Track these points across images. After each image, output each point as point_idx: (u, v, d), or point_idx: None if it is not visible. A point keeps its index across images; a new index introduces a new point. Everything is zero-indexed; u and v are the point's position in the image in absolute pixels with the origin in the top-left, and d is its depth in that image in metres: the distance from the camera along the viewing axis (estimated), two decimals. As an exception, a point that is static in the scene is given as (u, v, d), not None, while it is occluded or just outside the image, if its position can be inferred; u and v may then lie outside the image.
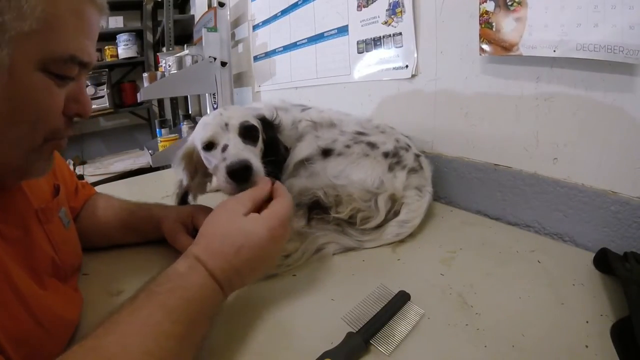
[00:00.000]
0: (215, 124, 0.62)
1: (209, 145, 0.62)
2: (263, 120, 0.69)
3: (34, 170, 0.40)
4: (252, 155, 0.59)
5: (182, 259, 0.40)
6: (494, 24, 0.65)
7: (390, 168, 0.68)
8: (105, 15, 0.39)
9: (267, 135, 0.68)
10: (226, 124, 0.62)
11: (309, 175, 0.66)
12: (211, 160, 0.62)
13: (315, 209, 0.64)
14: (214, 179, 0.69)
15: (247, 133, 0.62)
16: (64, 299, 0.45)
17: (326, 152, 0.68)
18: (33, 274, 0.40)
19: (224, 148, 0.60)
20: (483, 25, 0.66)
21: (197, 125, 0.68)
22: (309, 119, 0.76)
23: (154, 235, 0.64)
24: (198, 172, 0.70)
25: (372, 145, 0.70)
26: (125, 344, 0.30)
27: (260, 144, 0.65)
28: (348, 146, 0.69)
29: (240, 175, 0.55)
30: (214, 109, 1.73)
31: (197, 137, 0.65)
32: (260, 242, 0.41)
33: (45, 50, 0.32)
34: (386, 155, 0.69)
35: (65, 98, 0.37)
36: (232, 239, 0.40)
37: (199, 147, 0.63)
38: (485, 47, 0.67)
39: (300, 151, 0.70)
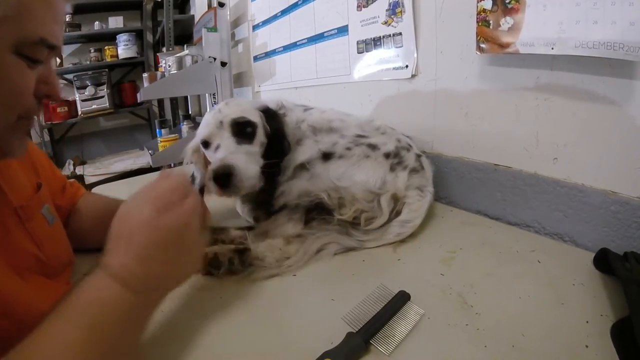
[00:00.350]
0: (213, 122, 0.63)
1: (206, 144, 0.64)
2: (266, 111, 0.68)
3: (10, 150, 0.41)
4: (242, 156, 0.59)
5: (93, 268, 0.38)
6: (491, 21, 0.64)
7: (392, 168, 0.68)
8: (70, 1, 0.42)
9: (270, 127, 0.67)
10: (221, 122, 0.63)
11: (309, 177, 0.66)
12: (210, 158, 0.64)
13: (315, 210, 0.64)
14: None
15: (240, 131, 0.62)
16: (51, 295, 0.44)
17: (327, 156, 0.68)
18: (10, 270, 0.41)
19: (217, 148, 0.61)
20: (480, 23, 0.66)
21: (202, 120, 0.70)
22: (310, 121, 0.76)
23: None
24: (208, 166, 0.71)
25: (372, 147, 0.69)
26: (33, 355, 0.30)
27: (260, 138, 0.65)
28: (349, 148, 0.69)
29: (222, 180, 0.56)
30: (214, 109, 1.73)
31: (198, 134, 0.67)
32: (146, 219, 0.38)
33: (19, 34, 0.35)
34: (387, 156, 0.69)
35: (35, 80, 0.39)
36: (123, 231, 0.38)
37: (200, 144, 0.65)
38: (483, 45, 0.67)
39: (300, 154, 0.69)
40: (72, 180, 0.71)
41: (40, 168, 0.58)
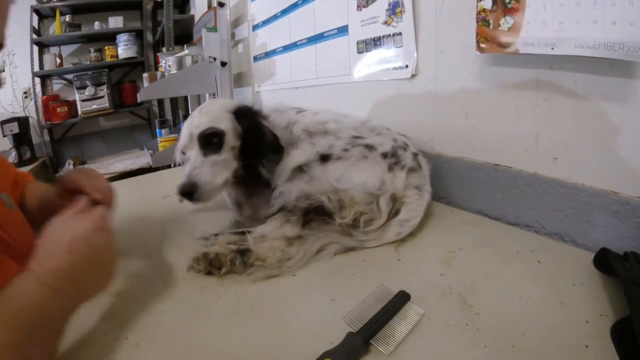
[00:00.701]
0: (185, 134, 0.70)
1: (183, 154, 0.71)
2: (237, 111, 0.72)
3: None
4: (206, 169, 0.66)
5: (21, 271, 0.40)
6: (491, 21, 0.64)
7: (390, 168, 0.68)
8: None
9: (243, 126, 0.70)
10: (191, 135, 0.69)
11: (308, 179, 0.66)
12: (184, 167, 0.70)
13: (314, 212, 0.63)
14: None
15: (207, 143, 0.68)
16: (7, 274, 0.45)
17: (324, 158, 0.68)
18: None
19: (188, 160, 0.68)
20: (480, 23, 0.66)
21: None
22: (303, 124, 0.77)
23: None
24: None
25: (370, 147, 0.70)
26: None
27: (230, 144, 0.69)
28: (346, 150, 0.69)
29: (187, 196, 0.64)
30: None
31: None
32: (87, 234, 0.43)
33: None
34: (385, 155, 0.69)
35: None
36: (63, 239, 0.42)
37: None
38: (483, 45, 0.67)
39: (297, 157, 0.69)
40: (22, 170, 0.69)
41: None
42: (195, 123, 0.69)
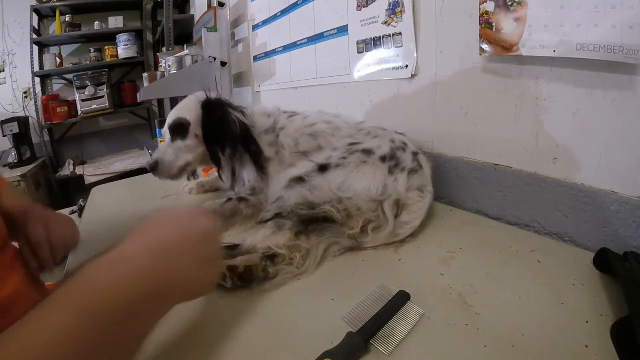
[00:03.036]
0: (166, 122, 0.86)
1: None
2: (204, 104, 0.83)
3: None
4: (170, 151, 0.82)
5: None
6: (494, 24, 0.65)
7: (390, 171, 0.67)
8: None
9: (207, 118, 0.81)
10: (168, 124, 0.85)
11: (310, 188, 0.64)
12: None
13: (316, 222, 0.62)
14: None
15: (175, 130, 0.84)
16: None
17: (323, 168, 0.67)
18: None
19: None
20: (483, 26, 0.66)
21: None
22: (292, 137, 0.81)
23: None
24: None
25: (367, 152, 0.69)
26: (24, 338, 0.27)
27: (194, 131, 0.83)
28: (344, 157, 0.69)
29: (151, 170, 0.82)
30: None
31: None
32: (185, 215, 0.40)
33: None
34: (384, 159, 0.68)
35: None
36: (154, 222, 0.38)
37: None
38: (486, 47, 0.67)
39: (295, 170, 0.70)
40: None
41: None
42: (172, 114, 0.86)
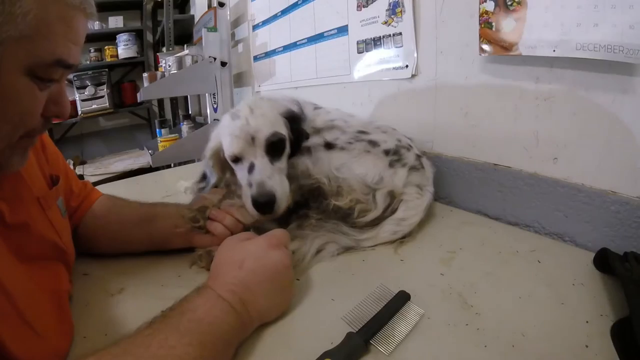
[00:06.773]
0: (242, 137, 0.61)
1: (236, 159, 0.63)
2: (290, 117, 0.68)
3: (9, 165, 0.40)
4: (277, 178, 0.60)
5: (195, 288, 0.42)
6: (493, 23, 0.65)
7: (391, 165, 0.68)
8: (94, 20, 0.39)
9: (293, 129, 0.67)
10: (253, 138, 0.61)
11: (313, 160, 0.67)
12: (238, 173, 0.65)
13: (310, 197, 0.64)
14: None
15: (274, 149, 0.62)
16: (59, 279, 0.48)
17: (329, 145, 0.69)
18: (23, 257, 0.41)
19: (251, 168, 0.61)
20: (483, 25, 0.66)
21: (223, 127, 0.66)
22: (319, 123, 0.75)
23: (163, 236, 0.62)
24: (227, 170, 0.72)
25: (373, 143, 0.70)
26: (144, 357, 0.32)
27: (287, 151, 0.66)
28: (350, 143, 0.70)
29: (264, 208, 0.58)
30: (214, 109, 1.73)
31: (224, 143, 0.65)
32: (259, 251, 0.46)
33: (33, 55, 0.33)
34: (387, 152, 0.69)
35: (45, 100, 0.37)
36: (234, 258, 0.45)
37: (227, 157, 0.65)
38: (485, 47, 0.67)
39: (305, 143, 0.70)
40: (85, 181, 0.70)
41: (55, 162, 0.58)
42: (253, 124, 0.61)
